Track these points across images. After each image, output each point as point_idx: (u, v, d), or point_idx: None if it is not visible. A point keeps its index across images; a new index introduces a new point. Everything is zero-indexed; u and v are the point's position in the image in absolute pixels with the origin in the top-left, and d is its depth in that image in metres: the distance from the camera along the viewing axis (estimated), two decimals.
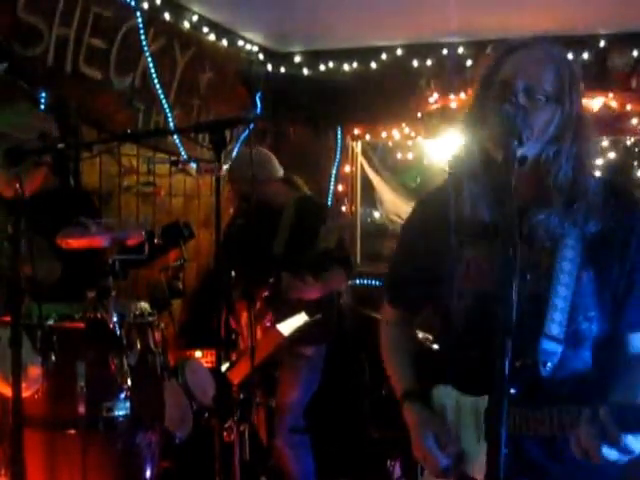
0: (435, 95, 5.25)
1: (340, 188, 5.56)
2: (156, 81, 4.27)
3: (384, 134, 5.47)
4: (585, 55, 4.83)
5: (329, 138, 5.56)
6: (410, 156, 5.87)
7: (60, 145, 3.20)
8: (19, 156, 2.26)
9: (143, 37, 4.10)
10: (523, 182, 1.57)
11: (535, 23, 4.10)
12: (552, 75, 1.62)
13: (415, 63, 5.24)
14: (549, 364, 1.63)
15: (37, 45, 3.46)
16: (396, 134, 5.43)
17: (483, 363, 1.38)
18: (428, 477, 1.79)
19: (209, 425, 3.31)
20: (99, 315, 2.60)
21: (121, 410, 2.66)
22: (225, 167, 3.77)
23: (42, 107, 3.48)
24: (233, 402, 2.87)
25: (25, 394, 2.33)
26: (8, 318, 2.18)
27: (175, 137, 4.54)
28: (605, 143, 5.21)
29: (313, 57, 5.48)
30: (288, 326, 3.12)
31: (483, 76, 1.70)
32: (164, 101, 4.37)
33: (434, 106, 5.26)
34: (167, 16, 4.32)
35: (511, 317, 1.33)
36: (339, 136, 5.53)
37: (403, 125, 5.37)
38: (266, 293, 3.65)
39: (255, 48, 5.28)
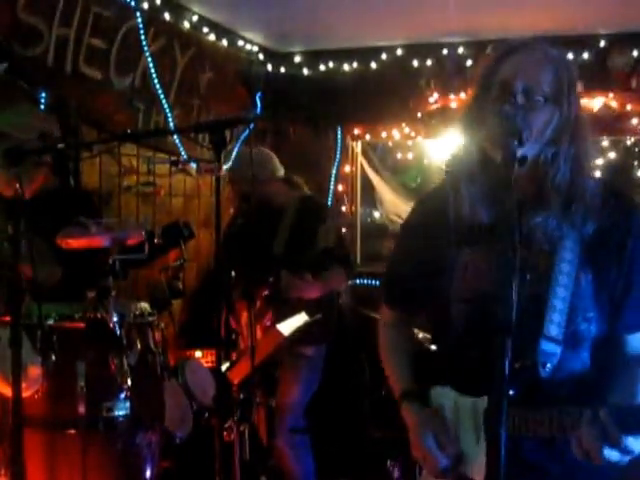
0: (435, 95, 5.25)
1: (340, 188, 5.56)
2: (156, 81, 4.27)
3: (384, 134, 5.47)
4: (585, 55, 4.84)
5: (329, 138, 5.56)
6: (410, 156, 5.88)
7: (60, 145, 3.20)
8: (19, 156, 2.26)
9: (143, 37, 4.11)
10: (521, 183, 1.57)
11: (535, 23, 4.09)
12: (551, 76, 1.62)
13: (415, 63, 5.24)
14: (548, 365, 1.63)
15: (37, 45, 3.46)
16: (396, 134, 5.43)
17: (482, 364, 1.38)
18: (426, 477, 1.78)
19: (209, 425, 3.30)
20: (99, 315, 2.61)
21: (121, 410, 2.67)
22: (225, 167, 3.77)
23: (42, 107, 3.48)
24: (233, 402, 2.87)
25: (25, 394, 2.33)
26: (8, 318, 2.18)
27: (175, 137, 4.53)
28: (605, 143, 5.22)
29: (313, 57, 5.48)
30: (288, 326, 3.12)
31: (482, 76, 1.70)
32: (164, 101, 4.37)
33: (434, 106, 5.26)
34: (167, 16, 4.33)
35: (511, 317, 1.33)
36: (339, 136, 5.53)
37: (403, 125, 5.37)
38: (266, 292, 3.65)
39: (255, 48, 5.28)
